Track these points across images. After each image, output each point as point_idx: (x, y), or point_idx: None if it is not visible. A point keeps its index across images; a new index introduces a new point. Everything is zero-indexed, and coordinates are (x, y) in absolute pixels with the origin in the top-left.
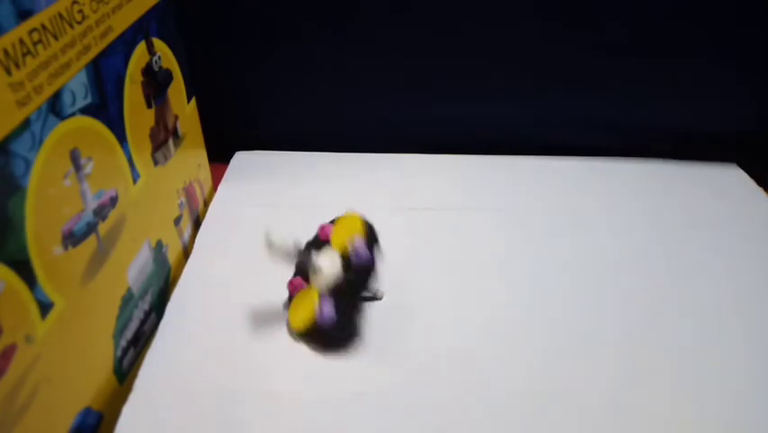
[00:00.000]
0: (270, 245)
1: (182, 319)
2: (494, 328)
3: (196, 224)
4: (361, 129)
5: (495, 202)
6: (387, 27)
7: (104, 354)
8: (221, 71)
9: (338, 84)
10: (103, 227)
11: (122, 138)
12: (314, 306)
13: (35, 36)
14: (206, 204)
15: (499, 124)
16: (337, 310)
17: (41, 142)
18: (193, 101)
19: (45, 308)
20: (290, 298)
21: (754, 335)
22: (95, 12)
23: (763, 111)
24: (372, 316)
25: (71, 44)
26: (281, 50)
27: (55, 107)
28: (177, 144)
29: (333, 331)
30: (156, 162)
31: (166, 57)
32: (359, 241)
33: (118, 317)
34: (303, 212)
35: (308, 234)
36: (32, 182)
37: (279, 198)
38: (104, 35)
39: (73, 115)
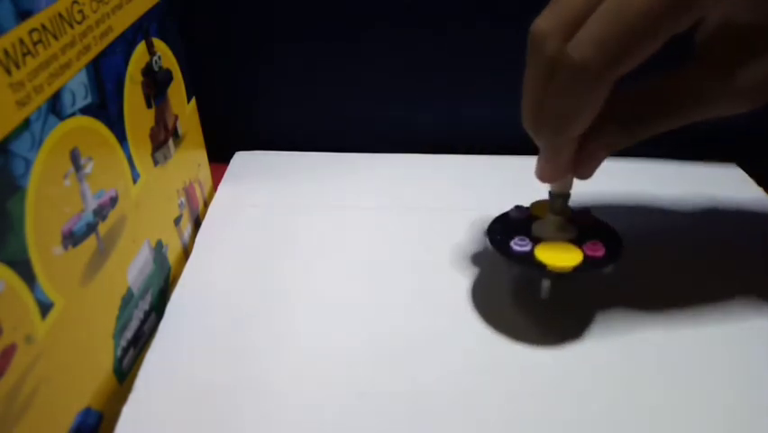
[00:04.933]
0: None
1: (182, 319)
2: (495, 329)
3: (196, 224)
4: (361, 129)
5: (496, 202)
6: (387, 27)
7: (104, 354)
8: (221, 71)
9: (338, 84)
10: (103, 227)
11: (122, 138)
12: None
13: (35, 36)
14: (206, 204)
15: (501, 124)
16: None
17: (40, 142)
18: (193, 101)
19: (45, 308)
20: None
21: (754, 335)
22: (95, 12)
23: (763, 111)
24: (373, 316)
25: (71, 44)
26: (282, 50)
27: (55, 107)
28: (177, 144)
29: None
30: (156, 162)
31: (166, 57)
32: None
33: (118, 317)
34: (303, 212)
35: (307, 234)
36: (32, 182)
37: (279, 198)
38: (104, 35)
39: (73, 114)
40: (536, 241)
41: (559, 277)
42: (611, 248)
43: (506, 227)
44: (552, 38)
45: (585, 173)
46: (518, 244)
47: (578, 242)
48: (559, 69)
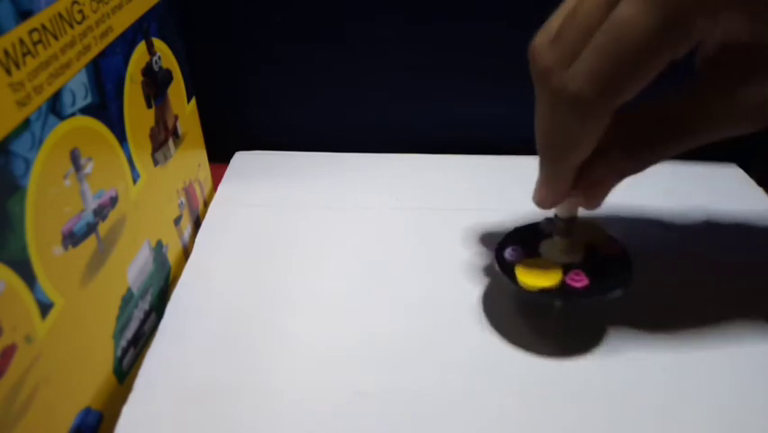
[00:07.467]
0: None
1: (182, 319)
2: (495, 329)
3: (196, 224)
4: (361, 129)
5: (497, 203)
6: (387, 27)
7: (104, 354)
8: (221, 71)
9: (338, 84)
10: (103, 227)
11: (122, 138)
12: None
13: (35, 36)
14: (206, 204)
15: (502, 124)
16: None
17: (41, 142)
18: (193, 101)
19: (45, 308)
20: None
21: (754, 335)
22: (95, 12)
23: None
24: (373, 316)
25: (71, 44)
26: (282, 50)
27: (55, 107)
28: (177, 144)
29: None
30: (156, 162)
31: (166, 57)
32: None
33: (118, 317)
34: (303, 212)
35: (307, 234)
36: (32, 182)
37: (279, 198)
38: (104, 35)
39: (73, 114)
40: (533, 256)
41: (529, 294)
42: (600, 283)
43: (521, 236)
44: (554, 72)
45: (593, 202)
46: (510, 254)
47: (575, 267)
48: (557, 100)
